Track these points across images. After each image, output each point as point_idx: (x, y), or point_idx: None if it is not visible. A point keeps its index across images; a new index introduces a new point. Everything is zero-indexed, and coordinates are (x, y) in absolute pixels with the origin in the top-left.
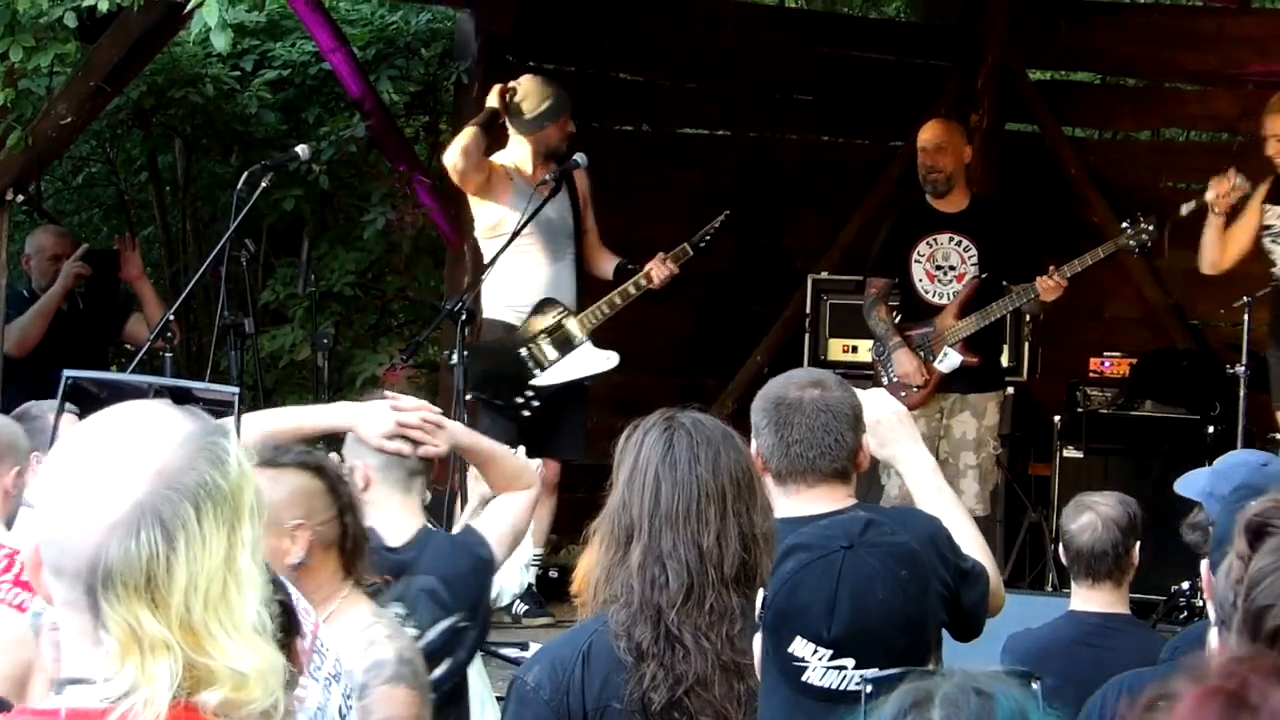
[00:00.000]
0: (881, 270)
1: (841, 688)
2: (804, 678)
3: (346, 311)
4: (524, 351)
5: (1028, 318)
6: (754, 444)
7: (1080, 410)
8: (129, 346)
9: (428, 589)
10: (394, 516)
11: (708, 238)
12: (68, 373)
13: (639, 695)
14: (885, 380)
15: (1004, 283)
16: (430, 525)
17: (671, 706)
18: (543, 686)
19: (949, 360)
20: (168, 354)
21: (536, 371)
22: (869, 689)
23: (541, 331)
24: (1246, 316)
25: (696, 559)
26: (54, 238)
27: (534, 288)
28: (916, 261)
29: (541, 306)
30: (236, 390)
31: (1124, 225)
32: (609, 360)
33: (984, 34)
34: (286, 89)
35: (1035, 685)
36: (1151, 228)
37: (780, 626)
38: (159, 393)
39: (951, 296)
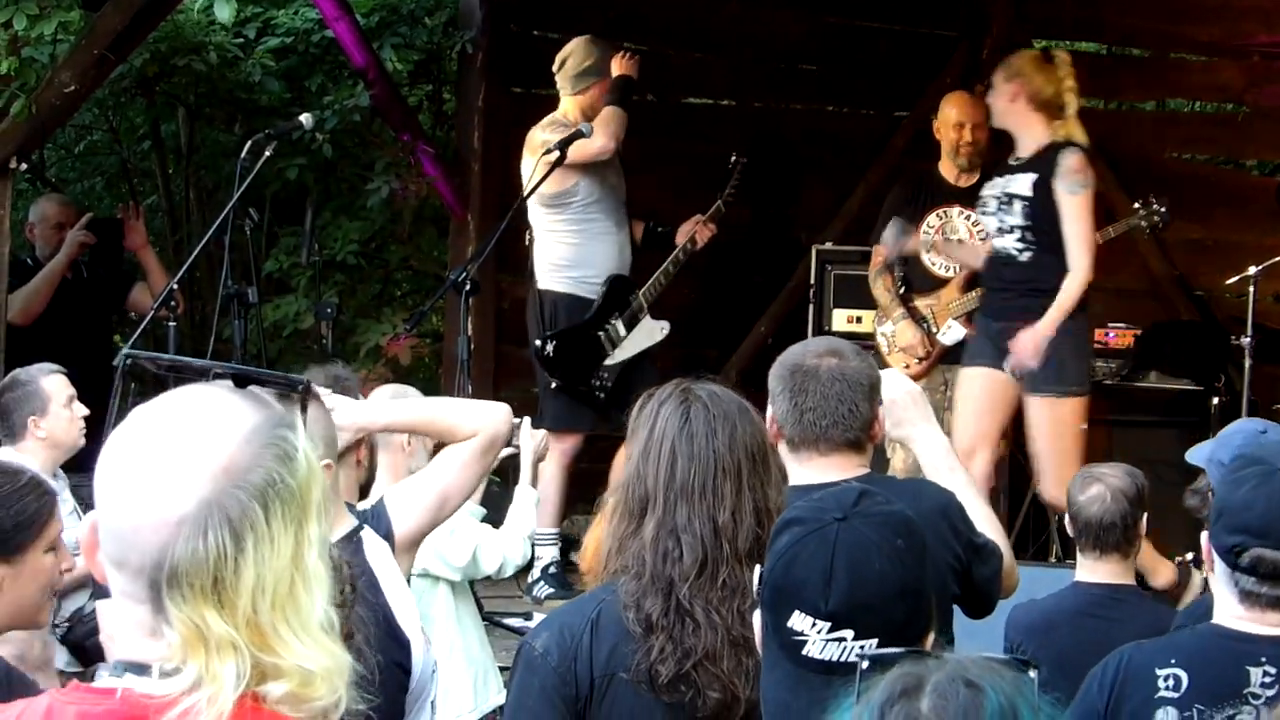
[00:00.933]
0: (880, 236)
1: (842, 659)
2: (804, 651)
3: (350, 281)
4: (601, 334)
5: None
6: (769, 410)
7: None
8: (132, 315)
9: None
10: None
11: (734, 188)
12: (126, 351)
13: (646, 667)
14: (886, 350)
15: None
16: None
17: (679, 679)
18: (550, 652)
19: (953, 333)
20: (171, 323)
21: (610, 349)
22: (865, 665)
23: (615, 310)
24: (1252, 288)
25: (711, 534)
26: (58, 206)
27: (606, 259)
28: (925, 233)
29: (613, 284)
30: (304, 380)
31: (1136, 205)
32: (663, 330)
33: (989, 4)
34: (290, 57)
35: (1032, 674)
36: (1164, 209)
37: (778, 601)
38: (220, 376)
39: (958, 269)
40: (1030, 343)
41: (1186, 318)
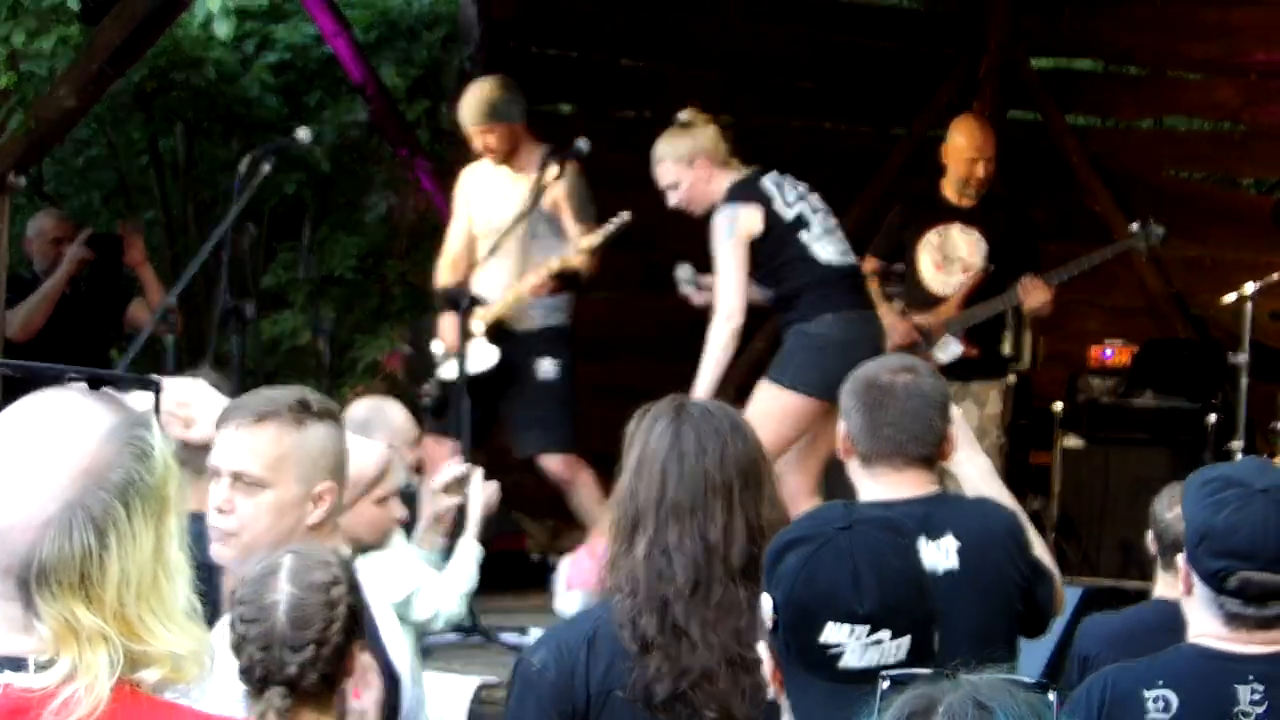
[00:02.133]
0: (879, 251)
1: (882, 662)
2: (842, 664)
3: (347, 296)
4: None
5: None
6: (841, 426)
7: (1081, 399)
8: (130, 331)
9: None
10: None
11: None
12: None
13: (643, 685)
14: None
15: (1008, 279)
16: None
17: (675, 699)
18: (548, 668)
19: (949, 350)
20: (170, 338)
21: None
22: (886, 685)
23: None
24: (1249, 306)
25: (703, 552)
26: (55, 221)
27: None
28: (924, 250)
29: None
30: (157, 380)
31: (1133, 226)
32: (489, 357)
33: (987, 22)
34: (288, 72)
35: (1052, 695)
36: (1161, 230)
37: (805, 620)
38: (74, 380)
39: (956, 286)
40: None
41: (1183, 335)
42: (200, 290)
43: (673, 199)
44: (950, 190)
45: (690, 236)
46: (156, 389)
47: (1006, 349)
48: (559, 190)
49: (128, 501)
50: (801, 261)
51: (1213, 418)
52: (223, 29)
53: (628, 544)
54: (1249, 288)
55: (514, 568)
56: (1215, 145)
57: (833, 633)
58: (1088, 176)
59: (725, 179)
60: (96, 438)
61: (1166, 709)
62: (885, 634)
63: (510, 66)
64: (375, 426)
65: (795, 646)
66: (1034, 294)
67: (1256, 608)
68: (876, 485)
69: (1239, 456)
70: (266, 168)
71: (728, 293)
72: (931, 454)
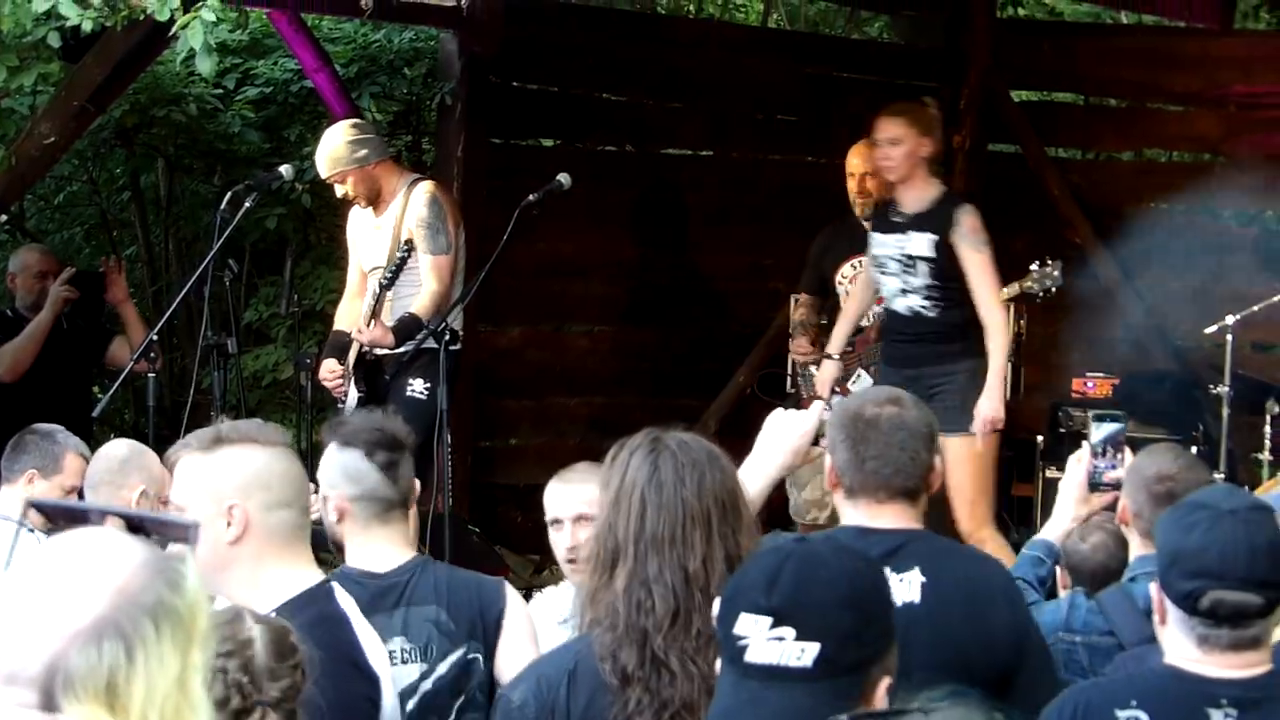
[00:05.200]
0: (806, 287)
1: (781, 662)
2: (747, 657)
3: (329, 331)
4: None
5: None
6: (828, 460)
7: (1063, 431)
8: (112, 369)
9: (431, 619)
10: (377, 546)
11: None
12: (30, 499)
13: (624, 719)
14: (804, 390)
15: None
16: (426, 555)
17: None
18: (528, 704)
19: (861, 383)
20: (150, 375)
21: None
22: None
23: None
24: (1230, 337)
25: (682, 583)
26: (39, 255)
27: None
28: (840, 283)
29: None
30: (195, 522)
31: (1031, 268)
32: (352, 400)
33: (967, 55)
34: (269, 107)
35: (998, 715)
36: (1058, 272)
37: (726, 610)
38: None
39: (874, 318)
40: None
41: (1164, 367)
42: (182, 326)
43: (884, 154)
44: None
45: (673, 270)
46: (194, 530)
47: None
48: (411, 221)
49: (158, 624)
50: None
51: (1194, 449)
52: (205, 66)
53: (608, 577)
54: (1230, 319)
55: None
56: (1195, 176)
57: (742, 624)
58: (1068, 208)
59: (925, 170)
60: (132, 564)
61: None
62: (788, 631)
63: (491, 101)
64: (132, 469)
65: (720, 640)
66: None
67: (1229, 628)
68: (857, 514)
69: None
70: (248, 204)
71: (997, 300)
72: (915, 486)
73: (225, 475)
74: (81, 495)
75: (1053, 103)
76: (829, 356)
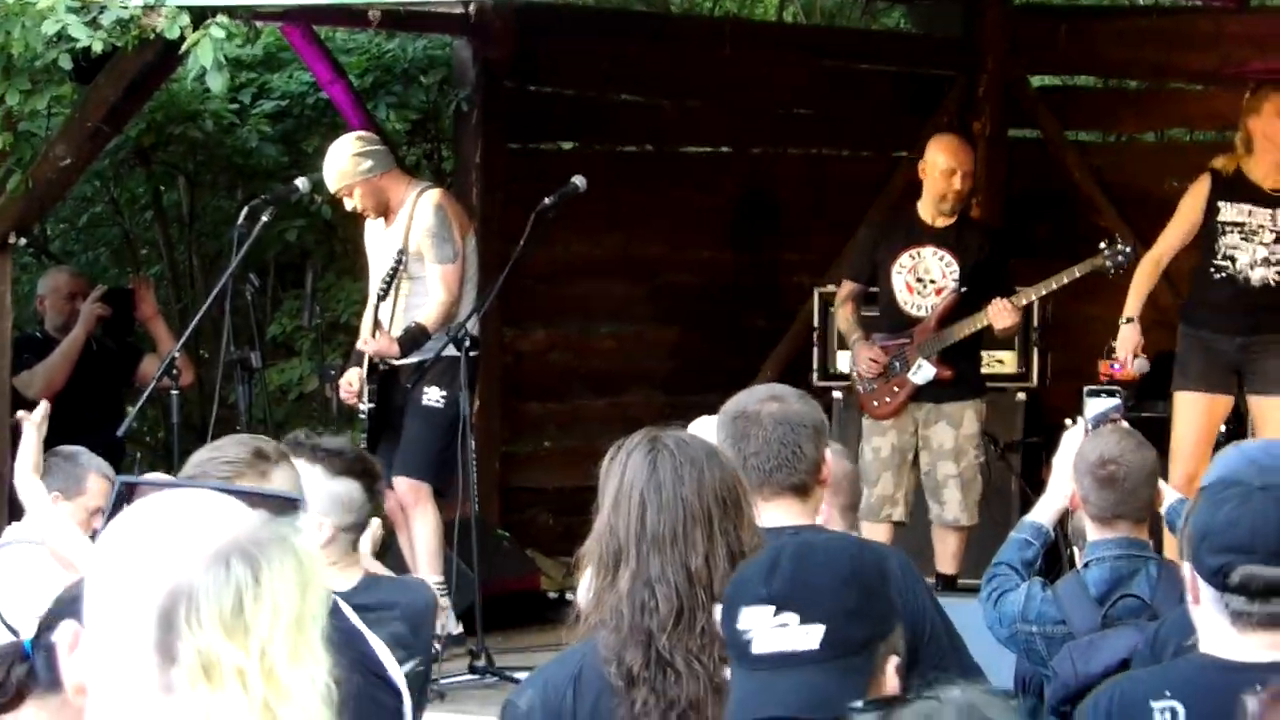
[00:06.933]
0: (854, 273)
1: (788, 648)
2: (753, 650)
3: (353, 342)
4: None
5: (1035, 321)
6: None
7: None
8: (141, 386)
9: (392, 632)
10: (348, 570)
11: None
12: (121, 479)
13: None
14: (860, 387)
15: (981, 300)
16: (373, 574)
17: None
18: (535, 710)
19: (923, 372)
20: (174, 392)
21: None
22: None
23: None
24: None
25: (685, 581)
26: (68, 277)
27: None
28: (898, 273)
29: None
30: (298, 496)
31: (1101, 245)
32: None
33: (984, 42)
34: (285, 120)
35: (1014, 703)
36: (1129, 249)
37: (728, 610)
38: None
39: (929, 309)
40: None
41: None
42: (210, 342)
43: None
44: (926, 210)
45: (697, 269)
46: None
47: (1015, 365)
48: (418, 232)
49: (282, 555)
50: None
51: (1222, 428)
52: (216, 83)
53: (610, 578)
54: None
55: (530, 606)
56: (1217, 155)
57: (745, 618)
58: (1091, 192)
59: None
60: (250, 516)
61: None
62: (792, 617)
63: (507, 106)
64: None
65: (727, 640)
66: (1002, 316)
67: (1260, 604)
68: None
69: None
70: (265, 218)
71: None
72: (803, 481)
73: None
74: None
75: (1072, 87)
76: (1130, 320)
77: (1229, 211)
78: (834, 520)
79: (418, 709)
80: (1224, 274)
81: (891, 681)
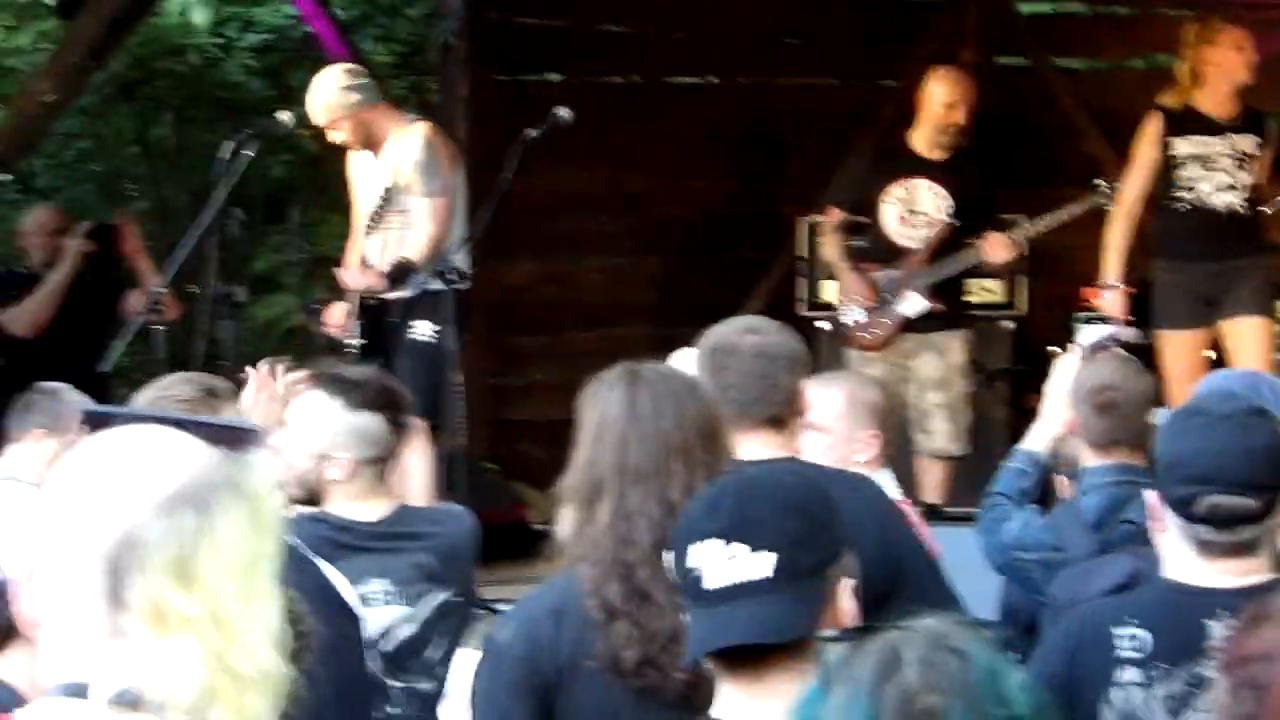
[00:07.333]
0: (843, 202)
1: (741, 579)
2: (705, 584)
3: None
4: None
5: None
6: None
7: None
8: (126, 322)
9: (419, 563)
10: (372, 500)
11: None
12: (85, 408)
13: (611, 654)
14: (848, 318)
15: (972, 233)
16: (406, 504)
17: (644, 664)
18: (515, 643)
19: (913, 304)
20: (160, 327)
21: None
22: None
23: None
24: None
25: (665, 514)
26: (49, 213)
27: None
28: (890, 204)
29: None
30: (255, 426)
31: (1099, 183)
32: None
33: None
34: (271, 54)
35: (987, 633)
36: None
37: (676, 552)
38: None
39: (921, 241)
40: None
41: None
42: (193, 277)
43: None
44: (921, 142)
45: (685, 200)
46: (254, 434)
47: (1003, 295)
48: (405, 165)
49: (233, 498)
50: None
51: (1212, 355)
52: (199, 16)
53: (590, 512)
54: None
55: (516, 538)
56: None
57: (694, 555)
58: (1079, 119)
59: None
60: (204, 453)
61: (1137, 646)
62: (742, 548)
63: (494, 39)
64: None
65: (678, 581)
66: (997, 251)
67: (1227, 533)
68: None
69: None
70: (249, 152)
71: None
72: (780, 414)
73: None
74: None
75: (1059, 14)
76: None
77: (1184, 145)
78: (877, 458)
79: (454, 643)
80: (1188, 205)
81: (847, 604)
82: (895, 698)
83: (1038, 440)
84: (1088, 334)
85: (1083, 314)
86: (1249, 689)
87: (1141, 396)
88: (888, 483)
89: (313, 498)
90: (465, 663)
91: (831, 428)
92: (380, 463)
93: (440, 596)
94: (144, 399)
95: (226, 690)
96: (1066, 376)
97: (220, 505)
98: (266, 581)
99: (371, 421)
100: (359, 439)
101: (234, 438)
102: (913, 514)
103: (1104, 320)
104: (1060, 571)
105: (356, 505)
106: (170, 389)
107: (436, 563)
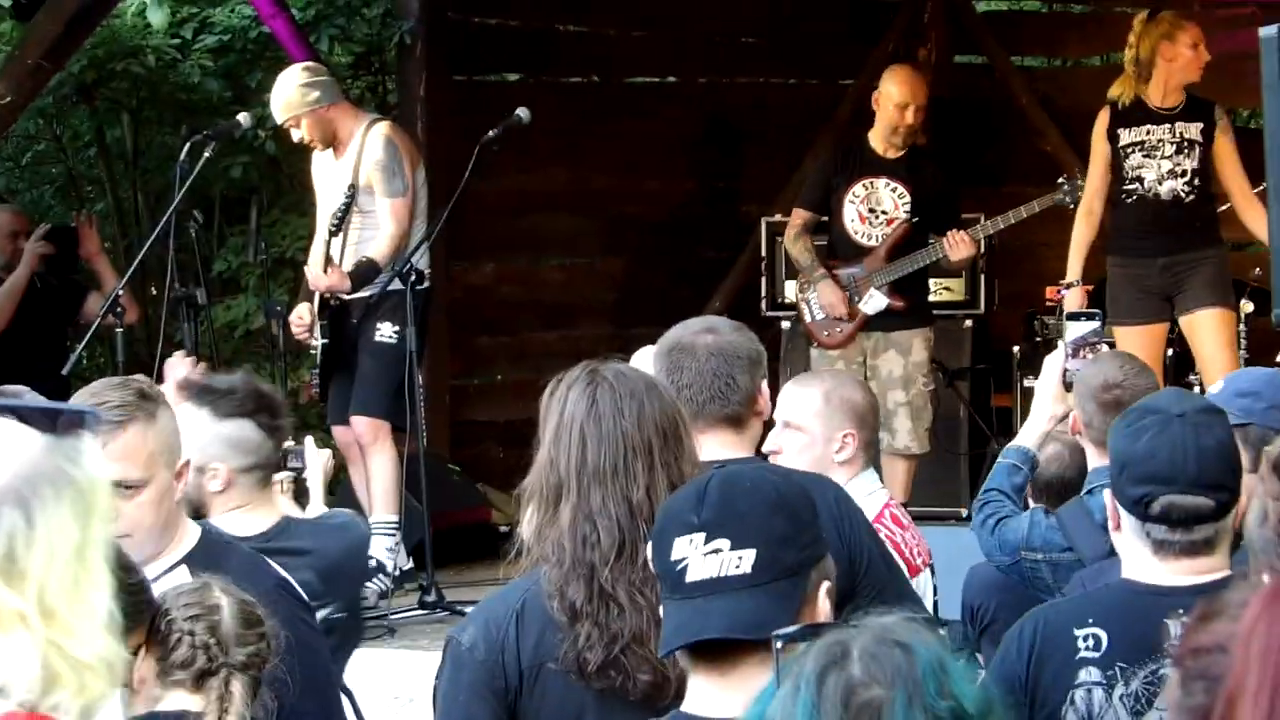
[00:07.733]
0: (811, 204)
1: (721, 573)
2: (687, 578)
3: (299, 277)
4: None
5: (982, 248)
6: None
7: (1039, 340)
8: (85, 324)
9: (302, 580)
10: (256, 512)
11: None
12: None
13: (574, 655)
14: (809, 315)
15: (932, 231)
16: (290, 517)
17: (608, 665)
18: (477, 646)
19: (874, 302)
20: (119, 329)
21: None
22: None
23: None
24: None
25: (626, 514)
26: (11, 215)
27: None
28: (850, 203)
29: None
30: (90, 410)
31: (1060, 180)
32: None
33: None
34: (228, 55)
35: (942, 631)
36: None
37: (659, 543)
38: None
39: (880, 239)
40: None
41: None
42: (155, 279)
43: None
44: (878, 141)
45: (645, 200)
46: (93, 415)
47: (965, 294)
48: (367, 164)
49: (57, 491)
50: None
51: (1170, 351)
52: (156, 17)
53: (552, 513)
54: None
55: (480, 539)
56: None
57: (677, 549)
58: (1037, 116)
59: None
60: (27, 441)
61: (1096, 646)
62: (724, 543)
63: (452, 38)
64: None
65: (659, 574)
66: (959, 248)
67: (1182, 532)
68: None
69: (1197, 389)
70: (207, 154)
71: None
72: (737, 413)
73: (173, 437)
74: None
75: (1017, 11)
76: (1073, 284)
77: (1129, 135)
78: (857, 457)
79: (342, 654)
80: (1135, 196)
81: (824, 607)
82: (837, 690)
83: (1028, 436)
84: (1072, 330)
85: (1069, 309)
86: (1201, 680)
87: (1146, 393)
88: (872, 483)
89: (199, 511)
90: (424, 666)
91: (808, 427)
92: (258, 470)
93: (319, 614)
94: (75, 403)
95: (66, 676)
96: (1054, 372)
97: (44, 498)
98: (97, 567)
99: (242, 428)
100: (231, 448)
101: (66, 422)
102: (902, 515)
103: (1090, 316)
104: (1075, 572)
105: (239, 517)
106: (101, 394)
107: (317, 580)
